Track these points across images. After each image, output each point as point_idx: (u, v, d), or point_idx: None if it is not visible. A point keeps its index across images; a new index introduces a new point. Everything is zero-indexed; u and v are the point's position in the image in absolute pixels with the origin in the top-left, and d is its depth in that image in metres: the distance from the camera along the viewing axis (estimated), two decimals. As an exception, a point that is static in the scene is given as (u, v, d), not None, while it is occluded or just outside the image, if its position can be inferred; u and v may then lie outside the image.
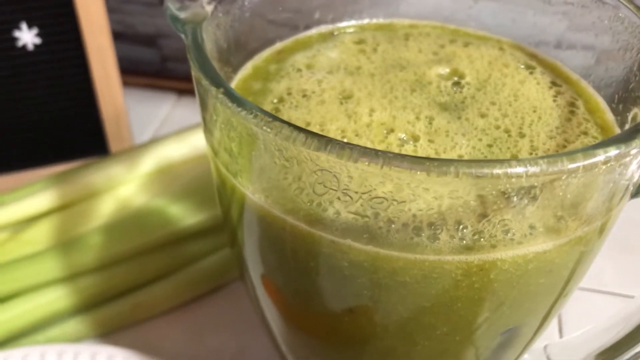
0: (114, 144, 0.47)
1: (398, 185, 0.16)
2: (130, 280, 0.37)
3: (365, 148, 0.15)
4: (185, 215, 0.38)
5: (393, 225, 0.17)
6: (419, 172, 0.15)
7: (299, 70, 0.25)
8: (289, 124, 0.16)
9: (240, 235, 0.23)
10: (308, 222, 0.18)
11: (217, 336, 0.37)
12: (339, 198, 0.17)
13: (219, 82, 0.18)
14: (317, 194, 0.17)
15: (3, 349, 0.34)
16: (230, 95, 0.17)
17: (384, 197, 0.17)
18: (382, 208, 0.17)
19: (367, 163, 0.15)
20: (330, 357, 0.24)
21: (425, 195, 0.17)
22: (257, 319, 0.38)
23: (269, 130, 0.16)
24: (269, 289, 0.24)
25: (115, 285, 0.37)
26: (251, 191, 0.19)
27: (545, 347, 0.28)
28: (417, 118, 0.22)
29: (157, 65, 0.59)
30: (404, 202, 0.17)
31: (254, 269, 0.24)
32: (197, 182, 0.39)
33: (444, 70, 0.25)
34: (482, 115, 0.22)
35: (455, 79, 0.24)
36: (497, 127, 0.22)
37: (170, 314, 0.38)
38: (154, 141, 0.40)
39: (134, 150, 0.40)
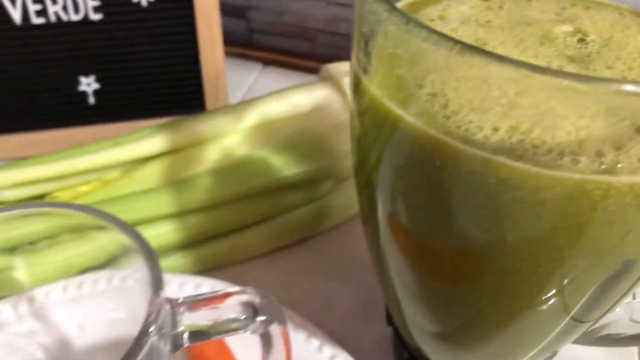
0: (210, 103, 0.50)
1: (549, 104, 0.18)
2: (230, 222, 0.40)
3: (536, 65, 0.17)
4: (284, 166, 0.40)
5: (545, 144, 0.19)
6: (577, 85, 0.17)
7: (432, 20, 0.27)
8: (462, 42, 0.18)
9: (376, 176, 0.25)
10: (464, 141, 0.20)
11: (307, 282, 0.40)
12: (499, 115, 0.19)
13: (391, 5, 0.20)
14: (481, 110, 0.19)
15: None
16: (404, 15, 0.20)
17: (536, 114, 0.19)
18: (533, 127, 0.19)
19: (536, 77, 0.17)
20: (450, 289, 0.26)
21: (574, 115, 0.19)
22: (344, 269, 0.41)
23: (441, 45, 0.19)
24: (396, 230, 0.27)
25: (217, 225, 0.39)
26: (411, 113, 0.21)
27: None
28: (549, 66, 0.24)
29: (245, 36, 0.62)
30: (553, 122, 0.19)
31: (384, 210, 0.26)
32: (296, 138, 0.41)
33: (568, 28, 0.26)
34: (609, 68, 0.24)
35: (580, 36, 0.26)
36: (625, 79, 0.24)
37: (264, 258, 0.41)
38: (257, 98, 0.43)
39: (239, 105, 0.42)
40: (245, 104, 0.43)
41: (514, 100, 0.19)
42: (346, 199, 0.42)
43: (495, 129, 0.20)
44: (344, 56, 0.35)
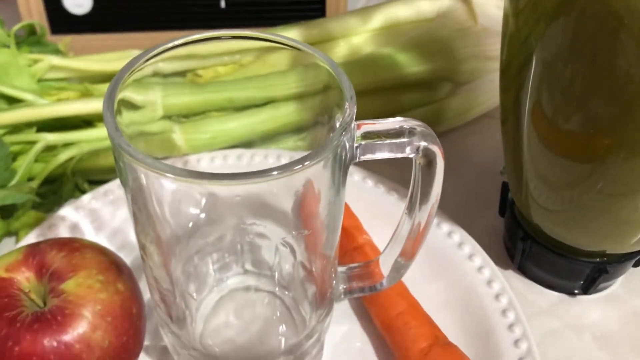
0: (331, 12, 0.52)
1: None
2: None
3: None
4: (408, 64, 0.42)
5: None
6: None
7: None
8: None
9: (526, 70, 0.28)
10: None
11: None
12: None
13: None
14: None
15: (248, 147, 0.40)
16: None
17: None
18: None
19: None
20: (578, 169, 0.29)
21: None
22: (455, 168, 0.43)
23: None
24: (539, 118, 0.29)
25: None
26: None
27: None
28: None
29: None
30: None
31: (530, 100, 0.29)
32: (420, 39, 0.43)
33: None
34: None
35: None
36: None
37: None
38: (384, 3, 0.45)
39: (367, 9, 0.45)
40: (373, 7, 0.45)
41: None
42: (462, 104, 0.44)
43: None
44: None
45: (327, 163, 0.22)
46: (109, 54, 0.42)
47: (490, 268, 0.34)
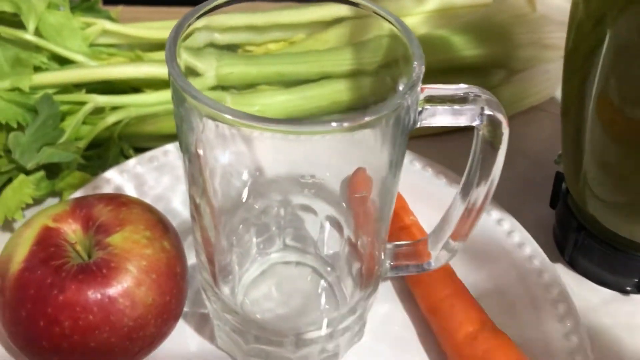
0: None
1: None
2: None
3: None
4: (462, 47, 0.41)
5: None
6: None
7: None
8: None
9: (594, 57, 0.27)
10: None
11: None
12: None
13: None
14: None
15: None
16: None
17: None
18: None
19: None
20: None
21: None
22: (505, 159, 0.42)
23: None
24: (604, 107, 0.28)
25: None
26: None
27: None
28: None
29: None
30: None
31: (597, 89, 0.28)
32: (476, 24, 0.42)
33: None
34: None
35: None
36: None
37: (429, 138, 0.42)
38: (439, -14, 0.44)
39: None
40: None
41: None
42: (515, 92, 0.43)
43: None
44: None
45: (388, 121, 0.22)
46: (161, 22, 0.42)
47: (541, 258, 0.33)
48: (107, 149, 0.38)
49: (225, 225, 0.30)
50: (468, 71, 0.42)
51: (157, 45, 0.42)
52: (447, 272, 0.31)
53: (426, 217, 0.34)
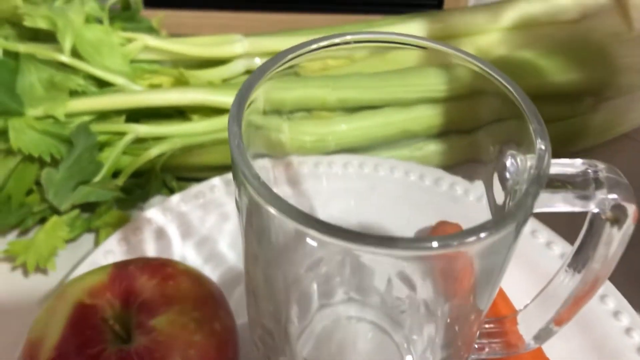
0: (448, 3, 0.46)
1: None
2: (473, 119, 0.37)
3: None
4: (552, 72, 0.36)
5: None
6: None
7: None
8: None
9: None
10: None
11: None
12: None
13: None
14: None
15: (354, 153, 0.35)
16: None
17: None
18: None
19: None
20: None
21: None
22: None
23: None
24: None
25: (460, 120, 0.37)
26: None
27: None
28: None
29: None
30: None
31: None
32: (566, 44, 0.37)
33: None
34: None
35: None
36: None
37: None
38: (517, -2, 0.39)
39: (496, 4, 0.39)
40: (504, 2, 0.39)
41: None
42: (606, 120, 0.38)
43: None
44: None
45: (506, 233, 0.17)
46: (205, 38, 0.38)
47: (642, 330, 0.29)
48: (148, 181, 0.35)
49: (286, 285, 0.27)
50: (553, 98, 0.37)
51: (203, 62, 0.38)
52: (535, 350, 0.27)
53: (513, 281, 0.30)
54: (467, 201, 0.29)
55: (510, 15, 0.38)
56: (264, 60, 0.37)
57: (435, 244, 0.15)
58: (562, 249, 0.32)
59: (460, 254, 0.17)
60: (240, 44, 0.38)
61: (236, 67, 0.38)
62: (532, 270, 0.31)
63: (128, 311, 0.23)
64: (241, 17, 0.47)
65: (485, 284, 0.21)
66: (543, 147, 0.18)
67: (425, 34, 0.38)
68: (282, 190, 0.32)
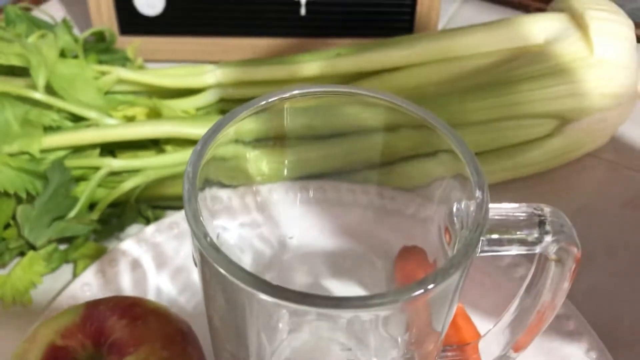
0: (420, 28, 0.47)
1: None
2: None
3: None
4: (517, 98, 0.37)
5: None
6: None
7: None
8: None
9: None
10: None
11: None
12: None
13: None
14: None
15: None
16: None
17: None
18: None
19: None
20: None
21: None
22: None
23: None
24: None
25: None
26: None
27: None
28: None
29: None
30: None
31: None
32: (529, 69, 0.38)
33: None
34: None
35: None
36: None
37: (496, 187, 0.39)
38: (476, 25, 0.40)
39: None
40: (467, 28, 0.40)
41: None
42: (569, 143, 0.39)
43: None
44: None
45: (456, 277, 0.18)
46: (179, 69, 0.39)
47: None
48: (123, 211, 0.35)
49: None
50: (517, 120, 0.38)
51: (176, 92, 0.39)
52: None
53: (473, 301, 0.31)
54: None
55: (506, 37, 0.39)
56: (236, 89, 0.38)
57: (382, 300, 0.16)
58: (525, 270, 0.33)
59: (409, 303, 0.18)
60: (213, 74, 0.39)
61: (209, 97, 0.39)
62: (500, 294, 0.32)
63: (99, 351, 0.24)
64: (217, 42, 0.47)
65: (437, 315, 0.22)
66: (481, 198, 0.19)
67: (424, 55, 0.38)
68: (253, 217, 0.33)
